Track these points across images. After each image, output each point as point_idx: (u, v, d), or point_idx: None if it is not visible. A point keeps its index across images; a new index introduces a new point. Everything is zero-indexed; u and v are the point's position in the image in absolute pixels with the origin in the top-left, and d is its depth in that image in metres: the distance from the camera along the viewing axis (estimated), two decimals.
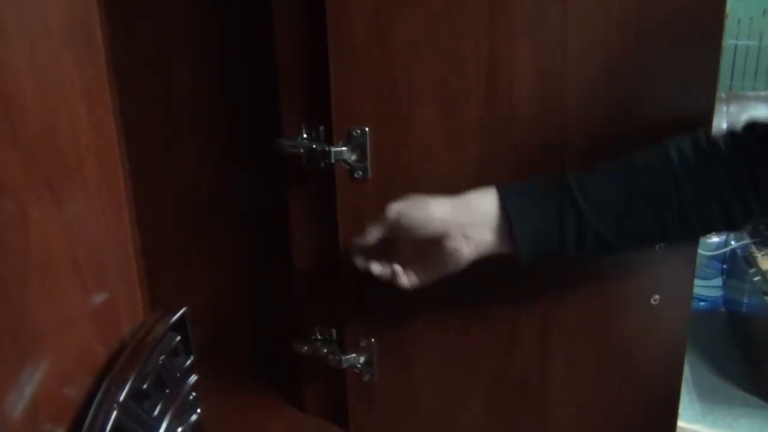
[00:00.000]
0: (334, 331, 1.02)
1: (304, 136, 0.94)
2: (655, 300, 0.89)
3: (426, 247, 0.78)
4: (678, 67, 0.80)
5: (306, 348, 1.02)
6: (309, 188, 0.97)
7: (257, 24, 1.03)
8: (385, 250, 0.82)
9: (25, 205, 0.40)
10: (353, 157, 0.91)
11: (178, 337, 0.49)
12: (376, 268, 0.81)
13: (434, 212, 0.76)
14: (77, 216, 0.45)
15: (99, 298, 0.48)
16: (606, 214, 0.74)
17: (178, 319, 0.49)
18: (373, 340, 0.99)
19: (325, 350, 1.01)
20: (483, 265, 0.90)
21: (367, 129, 0.89)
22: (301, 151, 0.92)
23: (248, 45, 1.05)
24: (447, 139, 0.88)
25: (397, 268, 0.80)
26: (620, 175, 0.75)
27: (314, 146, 0.91)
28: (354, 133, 0.89)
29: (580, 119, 0.84)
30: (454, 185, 0.87)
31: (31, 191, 0.41)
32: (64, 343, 0.45)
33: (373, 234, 0.80)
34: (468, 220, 0.76)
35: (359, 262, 0.83)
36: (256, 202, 1.12)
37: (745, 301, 2.57)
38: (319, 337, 1.03)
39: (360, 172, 0.91)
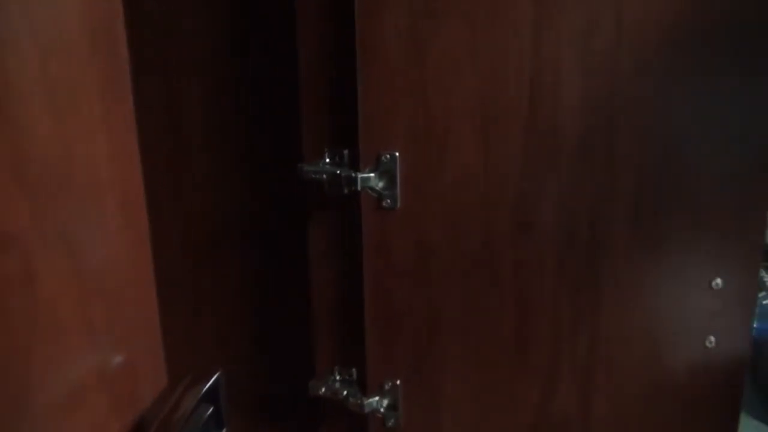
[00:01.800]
0: (354, 371, 0.94)
1: (327, 160, 0.86)
2: (710, 342, 0.82)
3: None
4: (746, 91, 0.73)
5: (324, 390, 0.94)
6: (331, 217, 0.89)
7: (278, 37, 0.96)
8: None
9: (34, 260, 0.32)
10: (381, 184, 0.83)
11: (211, 409, 0.41)
12: None
13: None
14: (94, 267, 0.37)
15: (116, 363, 0.40)
16: None
17: (210, 387, 0.41)
18: (398, 381, 0.91)
19: (345, 392, 0.93)
20: (522, 299, 0.83)
21: (397, 153, 0.82)
22: (324, 176, 0.85)
23: (267, 61, 0.98)
24: (485, 166, 0.81)
25: None
26: None
27: (338, 171, 0.84)
28: (383, 157, 0.82)
29: (632, 144, 0.77)
30: (492, 217, 0.81)
31: (41, 243, 0.33)
32: (74, 421, 0.37)
33: None
34: None
35: None
36: (271, 231, 1.04)
37: (755, 325, 2.51)
38: (338, 377, 0.95)
39: (388, 201, 0.83)
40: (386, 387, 0.91)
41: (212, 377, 0.41)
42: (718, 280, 0.79)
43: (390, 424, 0.92)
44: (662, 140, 0.77)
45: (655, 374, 0.84)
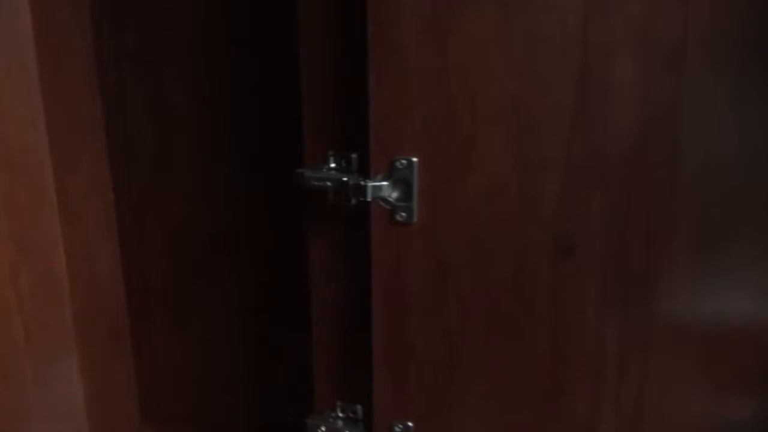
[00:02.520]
0: (359, 408, 0.83)
1: (332, 165, 0.75)
2: None
3: None
4: None
5: (323, 428, 0.84)
6: (336, 231, 0.78)
7: (276, 22, 0.84)
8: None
9: None
10: (395, 195, 0.72)
11: None
12: None
13: None
14: None
15: None
16: None
17: None
18: (410, 423, 0.79)
19: None
20: (559, 333, 0.71)
21: (415, 159, 0.70)
22: (328, 184, 0.74)
23: (264, 50, 0.86)
24: (519, 176, 0.69)
25: None
26: None
27: (345, 179, 0.73)
28: (398, 163, 0.70)
29: (698, 155, 0.65)
30: (526, 236, 0.69)
31: None
32: None
33: None
34: None
35: None
36: (267, 246, 0.93)
37: None
38: (340, 414, 0.84)
39: (403, 214, 0.72)
40: (396, 429, 0.80)
41: None
42: None
43: None
44: (735, 150, 0.64)
45: (715, 427, 0.71)
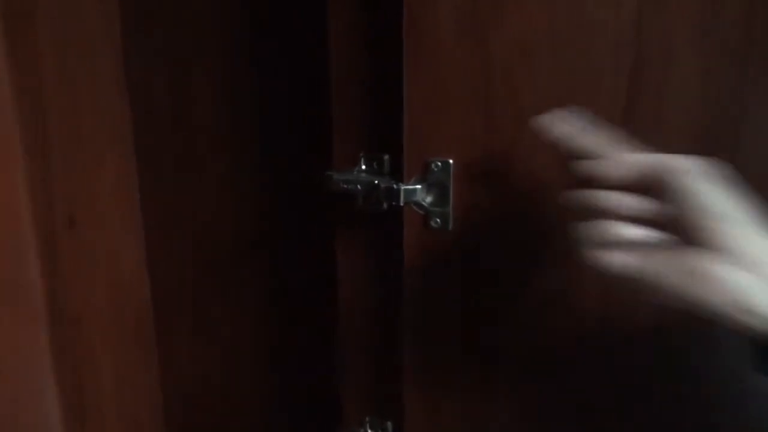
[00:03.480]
0: (390, 424, 0.79)
1: (363, 167, 0.71)
2: None
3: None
4: None
5: None
6: (366, 237, 0.74)
7: (306, 17, 0.80)
8: None
9: None
10: (429, 199, 0.67)
11: None
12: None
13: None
14: None
15: None
16: None
17: None
18: None
19: None
20: (609, 349, 0.66)
21: (451, 161, 0.66)
22: (358, 187, 0.70)
23: (291, 47, 0.82)
24: (564, 180, 0.63)
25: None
26: None
27: (376, 182, 0.68)
28: (433, 165, 0.66)
29: (762, 159, 0.59)
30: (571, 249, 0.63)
31: None
32: None
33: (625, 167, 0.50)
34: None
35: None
36: (292, 251, 0.89)
37: None
38: (369, 430, 0.80)
39: (438, 220, 0.67)
40: None
41: None
42: None
43: None
44: None
45: None
